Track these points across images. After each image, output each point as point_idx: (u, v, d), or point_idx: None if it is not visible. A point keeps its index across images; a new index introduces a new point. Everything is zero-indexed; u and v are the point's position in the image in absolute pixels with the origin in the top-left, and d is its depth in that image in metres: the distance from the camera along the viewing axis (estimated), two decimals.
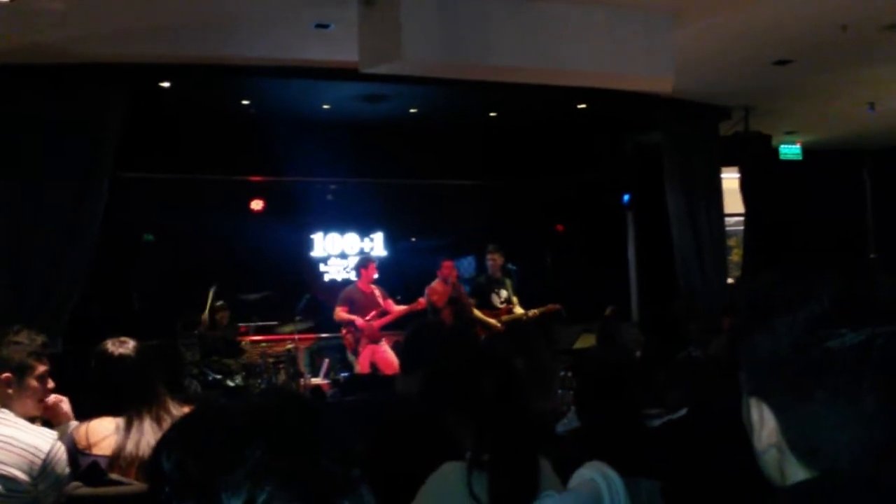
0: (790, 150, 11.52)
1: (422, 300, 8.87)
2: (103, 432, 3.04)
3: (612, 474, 2.08)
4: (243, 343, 9.25)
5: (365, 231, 11.57)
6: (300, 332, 9.23)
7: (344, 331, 8.87)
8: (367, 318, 8.75)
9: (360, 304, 8.83)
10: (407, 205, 11.34)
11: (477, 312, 8.88)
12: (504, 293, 9.11)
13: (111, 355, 3.16)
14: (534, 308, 9.04)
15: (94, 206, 7.27)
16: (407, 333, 3.42)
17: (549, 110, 9.95)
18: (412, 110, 9.91)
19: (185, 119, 9.36)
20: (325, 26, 6.64)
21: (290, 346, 9.04)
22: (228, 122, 9.69)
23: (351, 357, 8.88)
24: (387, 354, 8.59)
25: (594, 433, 3.03)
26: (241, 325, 9.39)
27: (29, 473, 2.68)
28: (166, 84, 8.15)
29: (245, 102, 9.38)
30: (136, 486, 2.88)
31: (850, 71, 8.38)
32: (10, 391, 2.88)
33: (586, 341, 8.43)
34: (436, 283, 8.92)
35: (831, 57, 7.82)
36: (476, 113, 10.11)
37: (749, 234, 11.91)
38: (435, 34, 5.94)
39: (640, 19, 6.56)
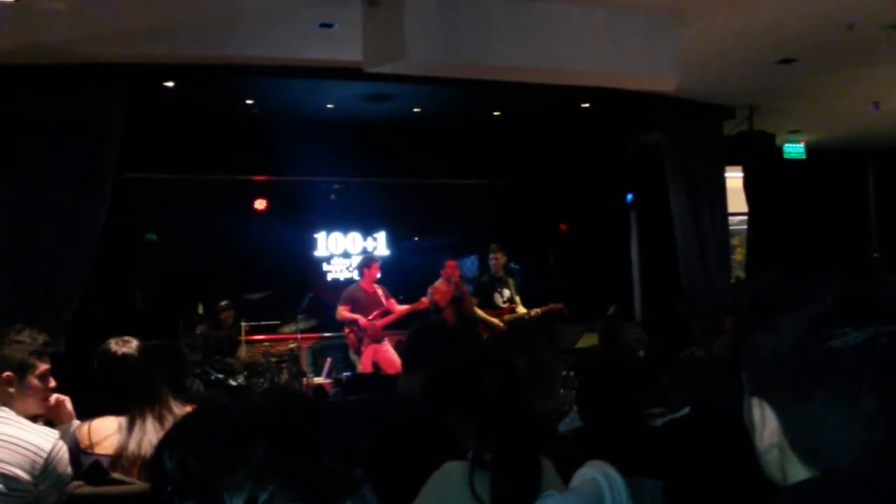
0: (794, 150, 11.51)
1: (424, 300, 8.87)
2: (105, 431, 3.04)
3: (614, 474, 2.08)
4: (241, 342, 9.24)
5: (368, 230, 11.57)
6: (303, 331, 9.23)
7: (346, 330, 8.88)
8: (370, 317, 8.75)
9: (362, 303, 8.84)
10: (410, 204, 11.34)
11: (479, 312, 8.88)
12: (507, 292, 9.11)
13: (114, 354, 3.16)
14: (536, 307, 9.04)
15: (96, 206, 7.27)
16: (409, 333, 3.42)
17: (553, 110, 9.95)
18: (416, 110, 9.91)
19: (188, 119, 9.37)
20: (329, 26, 6.64)
21: (292, 345, 9.05)
22: (232, 122, 9.70)
23: (353, 356, 8.88)
24: (389, 354, 8.60)
25: (596, 433, 3.03)
26: (244, 324, 9.41)
27: (30, 472, 2.68)
28: (170, 84, 8.15)
29: (248, 102, 9.39)
30: (138, 485, 2.88)
31: (854, 70, 8.37)
32: (11, 390, 2.89)
33: (588, 341, 8.43)
34: (439, 283, 8.92)
35: (835, 56, 7.80)
36: (479, 113, 10.11)
37: (752, 234, 11.90)
38: (438, 34, 5.94)
39: (642, 19, 6.56)
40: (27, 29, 6.31)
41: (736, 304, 8.05)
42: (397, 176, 11.04)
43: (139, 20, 6.42)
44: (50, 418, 3.19)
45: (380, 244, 11.61)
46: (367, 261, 9.26)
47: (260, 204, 10.89)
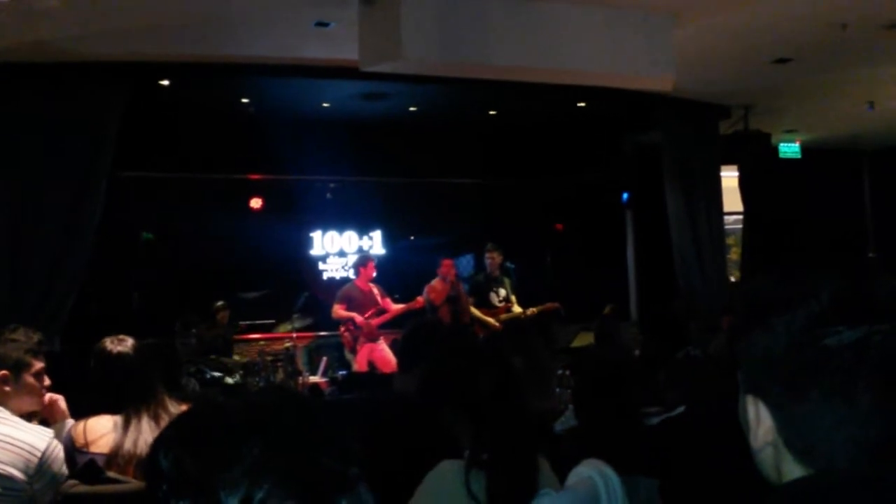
0: (789, 149, 11.52)
1: (420, 299, 8.87)
2: (101, 430, 3.04)
3: (610, 472, 2.08)
4: (239, 344, 9.25)
5: (364, 229, 11.57)
6: (298, 330, 9.23)
7: (342, 329, 8.88)
8: (366, 316, 8.76)
9: (358, 302, 8.84)
10: (406, 203, 11.34)
11: (475, 311, 8.88)
12: (503, 292, 9.12)
13: (110, 353, 3.16)
14: (532, 307, 9.05)
15: (93, 205, 7.27)
16: (405, 332, 3.43)
17: (549, 109, 9.95)
18: (412, 109, 9.91)
19: (184, 117, 9.35)
20: (325, 25, 6.64)
21: (288, 344, 9.04)
22: (228, 121, 9.68)
23: (349, 355, 8.88)
24: (385, 353, 8.60)
25: (592, 431, 3.03)
26: (240, 322, 9.41)
27: (25, 472, 2.67)
28: (165, 82, 8.14)
29: (245, 101, 9.38)
30: (133, 484, 2.88)
31: (849, 70, 8.39)
32: (7, 389, 2.88)
33: (584, 340, 8.44)
34: (435, 282, 8.92)
35: (831, 56, 7.82)
36: (476, 112, 10.11)
37: (748, 233, 11.92)
38: (435, 33, 5.94)
39: (639, 18, 6.56)
40: (25, 27, 6.30)
41: (732, 304, 8.06)
42: (393, 175, 11.03)
43: (134, 19, 6.41)
44: (45, 417, 3.19)
45: (375, 243, 11.61)
46: (363, 260, 9.26)
47: (256, 203, 10.88)
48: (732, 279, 10.98)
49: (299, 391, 7.19)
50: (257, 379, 8.23)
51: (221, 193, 10.44)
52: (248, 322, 9.59)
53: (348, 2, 6.03)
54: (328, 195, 11.17)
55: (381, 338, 8.83)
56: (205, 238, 10.00)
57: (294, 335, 9.15)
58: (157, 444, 0.94)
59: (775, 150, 11.22)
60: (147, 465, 0.94)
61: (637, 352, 5.81)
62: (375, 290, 8.97)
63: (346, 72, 7.04)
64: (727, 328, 7.63)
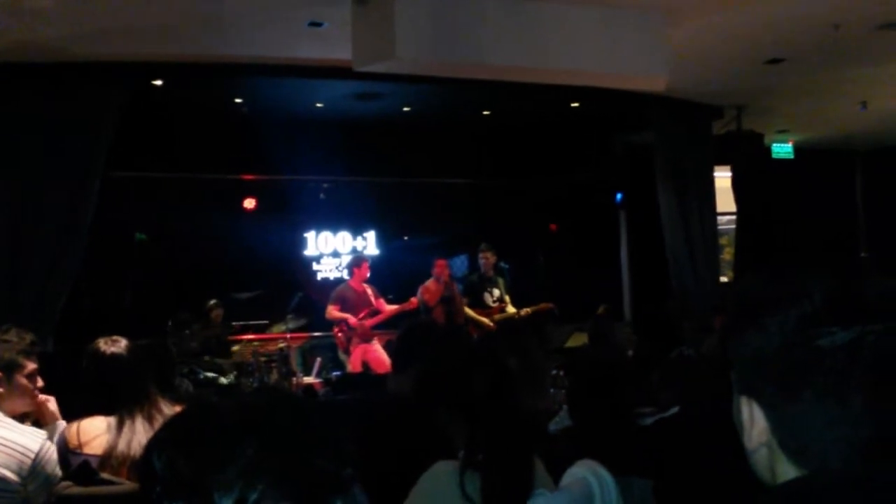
0: (782, 149, 11.55)
1: (413, 300, 8.87)
2: (94, 431, 3.03)
3: (604, 473, 2.09)
4: (234, 348, 9.22)
5: (357, 230, 11.56)
6: (292, 330, 9.21)
7: (336, 329, 8.87)
8: (359, 316, 8.75)
9: (352, 302, 8.83)
10: (400, 203, 11.33)
11: (469, 311, 8.88)
12: (497, 292, 9.12)
13: (103, 354, 3.15)
14: (526, 307, 9.05)
15: (86, 205, 7.25)
16: (399, 332, 3.43)
17: (542, 109, 9.96)
18: (405, 109, 9.90)
19: (177, 117, 9.34)
20: (319, 24, 6.64)
21: (282, 344, 9.02)
22: (221, 121, 9.67)
23: (342, 356, 8.88)
24: (378, 353, 8.60)
25: (586, 432, 3.03)
26: (234, 323, 9.39)
27: (18, 473, 2.67)
28: (159, 82, 8.13)
29: (238, 101, 9.36)
30: (127, 485, 2.88)
31: (842, 70, 8.41)
32: (0, 390, 2.88)
33: (578, 340, 8.44)
34: (429, 282, 8.92)
35: (824, 56, 7.84)
36: (469, 112, 10.11)
37: (741, 233, 11.94)
38: (428, 33, 5.94)
39: (633, 18, 6.57)
40: (18, 27, 6.28)
41: (725, 304, 8.07)
42: (387, 175, 11.03)
43: (129, 19, 6.40)
44: (37, 418, 3.18)
45: (369, 243, 11.60)
46: (357, 260, 9.25)
47: (249, 203, 10.86)
48: (725, 279, 10.99)
49: (293, 392, 7.18)
50: (251, 380, 8.22)
51: (215, 193, 10.42)
52: (241, 322, 9.57)
53: (341, 2, 6.02)
54: (322, 195, 11.16)
55: (375, 338, 8.83)
56: (198, 238, 9.98)
57: (288, 336, 9.13)
58: (151, 445, 0.94)
59: (768, 150, 11.25)
60: (141, 466, 0.93)
61: (631, 352, 5.82)
62: (369, 291, 8.97)
63: (339, 72, 7.04)
64: (720, 328, 7.65)
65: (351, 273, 9.19)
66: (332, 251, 11.44)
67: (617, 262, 11.87)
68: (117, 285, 9.88)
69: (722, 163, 10.68)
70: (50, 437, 2.88)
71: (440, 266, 8.90)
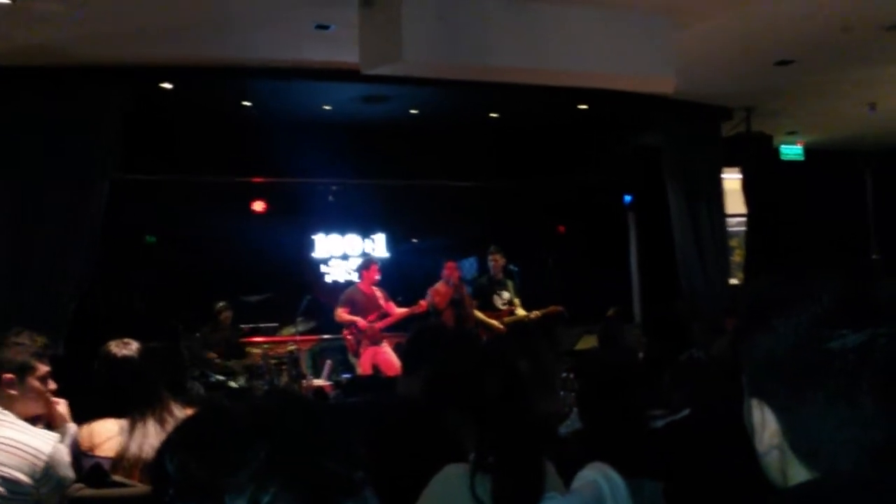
0: (792, 151, 11.52)
1: (423, 302, 8.87)
2: (106, 434, 3.05)
3: (615, 476, 2.08)
4: (248, 349, 9.25)
5: (366, 232, 11.57)
6: (302, 333, 9.22)
7: (345, 332, 8.87)
8: (368, 319, 8.76)
9: (361, 305, 8.84)
10: (408, 206, 11.33)
11: (479, 314, 8.87)
12: (506, 294, 9.11)
13: (115, 357, 3.17)
14: (536, 309, 9.04)
15: (96, 208, 7.28)
16: (409, 335, 3.43)
17: (551, 111, 9.95)
18: (413, 111, 9.90)
19: (186, 120, 9.36)
20: (326, 27, 6.65)
21: (291, 347, 9.04)
22: (229, 124, 9.69)
23: (352, 359, 8.88)
24: (388, 356, 8.59)
25: (597, 435, 3.03)
26: (243, 325, 9.41)
27: (31, 476, 2.68)
28: (167, 86, 8.16)
29: (246, 104, 9.38)
30: (139, 487, 2.88)
31: (851, 71, 8.38)
32: (12, 392, 2.89)
33: (588, 343, 8.43)
34: (439, 285, 8.92)
35: (833, 57, 7.81)
36: (477, 114, 10.11)
37: (751, 235, 11.90)
38: (435, 35, 5.94)
39: (640, 20, 6.56)
40: (27, 30, 6.32)
41: (735, 306, 8.05)
42: (395, 177, 11.02)
43: (136, 22, 6.43)
44: (48, 421, 3.19)
45: (378, 246, 11.61)
46: (367, 263, 9.26)
47: (258, 206, 10.89)
48: (735, 281, 10.96)
49: (303, 394, 7.19)
50: (262, 382, 8.24)
51: (224, 196, 10.44)
52: (251, 325, 9.59)
53: (348, 4, 6.03)
54: (330, 198, 11.17)
55: (385, 341, 8.83)
56: (208, 241, 10.01)
57: (298, 338, 9.14)
58: (163, 448, 0.94)
59: (777, 152, 11.21)
60: (153, 469, 0.94)
61: (641, 354, 5.81)
62: (378, 294, 8.97)
63: (346, 74, 7.05)
64: (731, 330, 7.62)
65: (360, 275, 9.20)
66: (341, 254, 11.45)
67: (626, 264, 11.85)
68: (128, 288, 9.92)
69: (731, 165, 10.64)
70: (62, 440, 2.89)
71: (450, 268, 8.89)
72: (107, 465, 2.94)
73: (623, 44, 6.57)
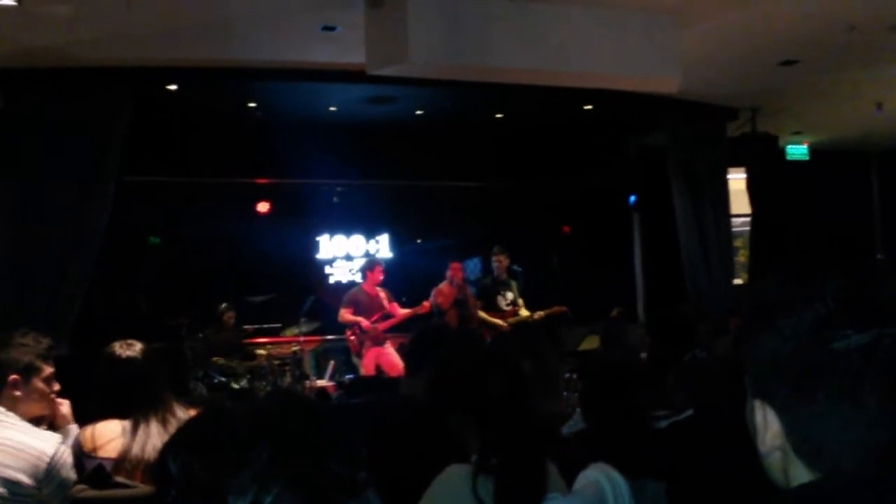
0: (797, 151, 11.50)
1: (426, 303, 8.87)
2: (109, 435, 3.05)
3: (617, 476, 2.08)
4: (258, 351, 9.26)
5: (371, 233, 11.57)
6: (305, 334, 9.23)
7: (348, 333, 8.88)
8: (372, 320, 8.76)
9: (364, 306, 8.84)
10: (412, 207, 11.33)
11: (483, 314, 8.88)
12: (510, 295, 9.10)
13: (119, 358, 3.17)
14: (539, 310, 9.03)
15: (100, 209, 7.29)
16: (412, 335, 3.43)
17: (555, 112, 9.95)
18: (418, 112, 9.92)
19: (191, 122, 9.38)
20: (332, 29, 6.66)
21: (295, 348, 9.04)
22: (234, 125, 9.71)
23: (355, 359, 8.88)
24: (392, 357, 8.60)
25: (599, 435, 3.02)
26: (247, 326, 9.42)
27: (34, 477, 2.68)
28: (173, 87, 8.17)
29: (251, 105, 9.40)
30: (141, 488, 2.89)
31: (857, 71, 8.37)
32: (17, 393, 2.89)
33: (591, 343, 8.42)
34: (442, 285, 8.93)
35: (838, 57, 7.80)
36: (482, 114, 10.11)
37: (756, 235, 11.89)
38: (441, 36, 5.95)
39: (644, 20, 6.56)
40: (32, 32, 6.33)
41: (739, 306, 8.03)
42: (400, 178, 11.04)
43: (141, 24, 6.43)
44: (52, 421, 3.19)
45: (382, 247, 11.61)
46: (371, 264, 9.26)
47: (263, 207, 10.90)
48: (740, 281, 10.95)
49: (306, 395, 7.20)
50: (265, 383, 8.24)
51: (228, 197, 10.45)
52: (255, 326, 9.60)
53: (355, 5, 6.04)
54: (335, 199, 11.18)
55: (388, 342, 8.83)
56: (212, 242, 10.02)
57: (301, 339, 9.15)
58: (166, 449, 0.94)
59: (783, 152, 11.19)
60: (156, 469, 0.94)
61: (644, 354, 5.80)
62: (382, 295, 8.97)
63: (352, 75, 7.06)
64: (734, 330, 7.61)
65: (364, 276, 9.20)
66: (345, 254, 11.46)
67: (630, 264, 11.84)
68: (131, 289, 9.93)
69: (736, 165, 10.64)
70: (64, 441, 2.90)
71: (454, 269, 8.90)
72: (109, 466, 2.94)
73: (627, 44, 6.57)
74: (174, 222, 10.04)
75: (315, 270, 11.23)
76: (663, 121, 9.62)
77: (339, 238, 11.46)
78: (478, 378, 2.31)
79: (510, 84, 7.46)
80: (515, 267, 9.37)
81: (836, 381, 0.96)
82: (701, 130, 9.70)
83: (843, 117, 10.58)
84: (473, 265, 11.28)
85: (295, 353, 8.98)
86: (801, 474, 1.00)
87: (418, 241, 11.85)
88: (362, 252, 11.40)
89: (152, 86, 7.92)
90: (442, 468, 2.17)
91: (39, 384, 2.96)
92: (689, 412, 3.28)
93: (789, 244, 11.47)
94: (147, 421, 3.05)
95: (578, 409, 3.47)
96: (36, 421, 2.96)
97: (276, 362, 8.85)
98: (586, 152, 11.13)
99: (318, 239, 11.35)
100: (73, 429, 3.15)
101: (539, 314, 8.98)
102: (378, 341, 8.76)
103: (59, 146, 7.07)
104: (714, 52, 7.58)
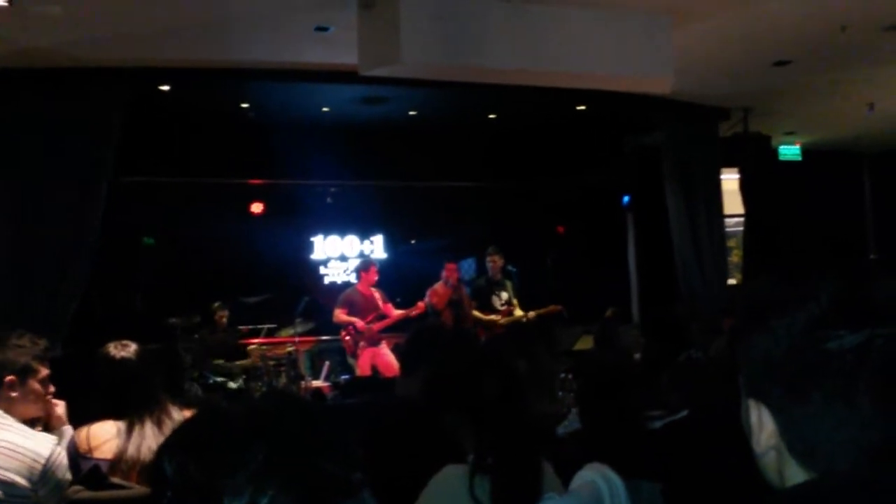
0: (789, 151, 11.53)
1: (420, 304, 8.86)
2: (104, 436, 3.05)
3: (613, 476, 2.08)
4: (249, 347, 9.24)
5: (365, 233, 11.57)
6: (300, 334, 9.22)
7: (343, 333, 8.87)
8: (366, 320, 8.76)
9: (359, 306, 8.83)
10: (407, 207, 11.33)
11: (478, 314, 8.88)
12: (505, 295, 9.11)
13: (113, 359, 3.17)
14: (534, 310, 9.04)
15: (98, 209, 7.28)
16: (407, 336, 3.43)
17: (549, 112, 9.96)
18: (411, 112, 9.91)
19: (184, 122, 9.37)
20: (325, 29, 6.65)
21: (290, 348, 9.03)
22: (228, 126, 9.69)
23: (350, 360, 8.88)
24: (387, 357, 8.59)
25: (595, 435, 3.03)
26: (241, 327, 9.41)
27: (29, 479, 2.67)
28: (166, 87, 8.16)
29: (245, 105, 9.39)
30: (137, 489, 2.88)
31: (849, 72, 8.39)
32: (13, 394, 2.89)
33: (587, 343, 8.43)
34: (438, 286, 8.92)
35: (831, 58, 7.82)
36: (475, 115, 10.12)
37: (749, 235, 11.92)
38: (434, 36, 5.95)
39: (638, 20, 6.57)
40: (25, 32, 6.31)
41: (733, 306, 8.05)
42: (394, 179, 11.03)
43: (134, 24, 6.43)
44: (47, 422, 3.19)
45: (377, 247, 11.61)
46: (365, 264, 9.26)
47: (256, 207, 10.88)
48: (733, 281, 10.97)
49: (302, 396, 7.19)
50: (260, 384, 8.23)
51: (222, 198, 10.43)
52: (249, 326, 9.59)
53: (347, 6, 6.03)
54: (329, 199, 11.16)
55: (383, 342, 8.83)
56: (206, 242, 10.00)
57: (296, 340, 9.14)
58: (162, 450, 0.94)
59: (775, 152, 11.22)
60: (152, 470, 0.94)
61: (637, 355, 5.81)
62: (377, 295, 8.96)
63: (345, 76, 7.05)
64: (728, 330, 7.63)
65: (359, 277, 9.19)
66: (340, 255, 11.45)
67: (625, 264, 11.86)
68: (126, 289, 9.91)
69: (729, 165, 10.66)
70: (59, 442, 2.89)
71: (449, 270, 8.90)
72: (105, 467, 2.94)
73: (621, 44, 6.58)
74: (168, 223, 10.02)
75: (309, 271, 11.22)
76: (657, 121, 9.64)
77: (334, 238, 11.45)
78: (473, 378, 2.31)
79: (503, 84, 7.46)
80: (510, 267, 9.37)
81: (830, 382, 0.97)
82: (694, 130, 9.72)
83: (835, 118, 10.60)
84: (468, 265, 11.28)
85: (290, 353, 8.97)
86: (795, 474, 1.00)
87: (413, 241, 11.85)
88: (357, 252, 11.39)
89: (146, 86, 7.91)
90: (438, 468, 2.17)
91: (36, 385, 2.96)
92: (684, 412, 3.29)
93: (782, 244, 11.49)
94: (142, 422, 3.04)
95: (574, 409, 3.48)
96: (31, 422, 2.96)
97: (272, 363, 8.84)
98: (580, 153, 11.14)
99: (312, 239, 11.34)
100: (68, 430, 3.14)
101: (532, 314, 8.99)
102: (373, 342, 8.75)
103: (54, 146, 7.06)
104: (707, 52, 7.59)
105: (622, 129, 10.92)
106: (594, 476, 2.08)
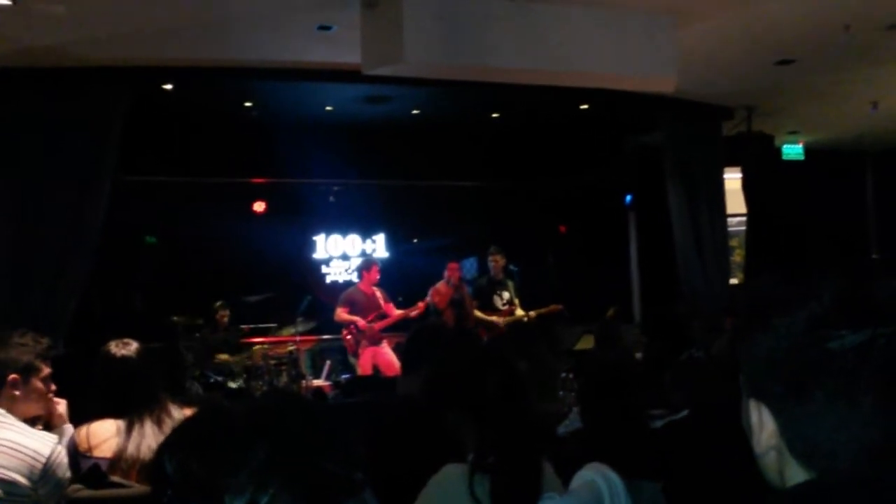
0: (793, 151, 11.51)
1: (421, 304, 8.87)
2: (104, 435, 3.05)
3: (614, 476, 2.08)
4: (255, 348, 9.25)
5: (367, 233, 11.57)
6: (302, 333, 9.22)
7: (344, 332, 8.87)
8: (368, 319, 8.76)
9: (361, 305, 8.84)
10: (409, 206, 11.33)
11: (479, 313, 8.88)
12: (506, 294, 9.11)
13: (114, 357, 3.17)
14: (536, 309, 9.04)
15: (98, 208, 7.28)
16: (408, 334, 3.43)
17: (551, 111, 9.96)
18: (414, 112, 9.91)
19: (187, 121, 9.37)
20: (328, 28, 6.65)
21: (291, 347, 9.03)
22: (231, 125, 9.70)
23: (352, 359, 8.88)
24: (388, 356, 8.60)
25: (596, 435, 3.03)
26: (243, 326, 9.41)
27: (29, 478, 2.67)
28: (169, 86, 8.16)
29: (247, 104, 9.39)
30: (137, 488, 2.89)
31: (852, 71, 8.37)
32: (16, 392, 2.89)
33: (588, 342, 8.42)
34: (439, 285, 8.94)
35: (834, 57, 7.81)
36: (478, 114, 10.11)
37: (751, 235, 11.90)
38: (437, 36, 5.95)
39: (641, 19, 6.56)
40: (28, 31, 6.32)
41: (735, 305, 8.05)
42: (396, 178, 11.04)
43: (140, 23, 6.43)
44: (48, 421, 3.19)
45: (379, 246, 11.61)
46: (367, 263, 9.26)
47: (259, 206, 10.89)
48: (735, 281, 10.96)
49: (303, 395, 7.20)
50: (261, 382, 8.23)
51: (225, 197, 10.44)
52: (251, 325, 9.60)
53: (350, 5, 6.03)
54: (331, 198, 11.17)
55: (385, 341, 8.83)
56: (208, 241, 10.00)
57: (297, 339, 9.14)
58: (163, 448, 0.94)
59: (778, 151, 11.21)
60: (153, 469, 0.94)
61: (639, 354, 5.81)
62: (379, 294, 8.97)
63: (348, 75, 7.05)
64: (730, 330, 7.62)
65: (360, 276, 9.20)
66: (342, 254, 11.45)
67: (626, 263, 11.86)
68: (128, 288, 9.92)
69: (732, 164, 10.64)
70: (59, 441, 2.89)
71: (451, 269, 8.91)
72: (105, 466, 2.94)
73: (624, 44, 6.57)
74: (171, 222, 10.03)
75: (311, 270, 11.23)
76: (659, 120, 9.62)
77: (336, 237, 11.45)
78: (474, 377, 2.31)
79: (506, 84, 7.46)
80: (511, 266, 9.37)
81: (832, 381, 0.96)
82: (697, 130, 9.71)
83: (838, 117, 10.59)
84: (470, 265, 11.28)
85: (291, 352, 8.97)
86: (796, 474, 1.00)
87: (415, 240, 11.85)
88: (359, 251, 11.40)
89: (148, 85, 7.91)
90: (438, 467, 2.17)
91: (38, 384, 2.96)
92: (686, 412, 3.29)
93: (785, 244, 11.48)
94: (142, 420, 3.05)
95: (575, 409, 3.48)
96: (32, 421, 2.96)
97: (273, 362, 8.84)
98: (582, 152, 11.13)
99: (314, 238, 11.34)
100: (69, 428, 3.15)
101: (533, 313, 9.00)
102: (374, 340, 8.76)
103: (56, 145, 7.06)
104: (710, 51, 7.59)
105: (624, 129, 10.92)
106: (594, 476, 2.08)
